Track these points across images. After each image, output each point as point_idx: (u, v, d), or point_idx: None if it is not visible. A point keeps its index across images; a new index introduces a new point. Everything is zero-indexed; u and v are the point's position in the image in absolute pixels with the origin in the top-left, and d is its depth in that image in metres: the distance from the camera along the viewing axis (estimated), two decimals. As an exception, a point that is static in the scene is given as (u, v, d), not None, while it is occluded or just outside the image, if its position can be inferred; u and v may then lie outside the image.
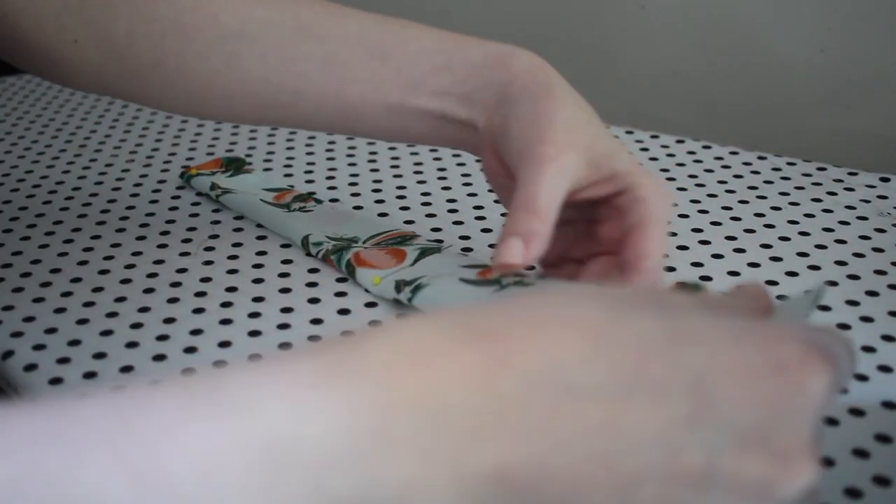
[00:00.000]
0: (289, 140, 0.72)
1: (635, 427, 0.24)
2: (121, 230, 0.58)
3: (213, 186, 0.62)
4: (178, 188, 0.64)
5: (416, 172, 0.65)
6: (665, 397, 0.24)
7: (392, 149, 0.70)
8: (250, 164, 0.66)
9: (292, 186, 0.63)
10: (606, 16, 0.89)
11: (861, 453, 0.37)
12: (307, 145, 0.71)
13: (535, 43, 0.94)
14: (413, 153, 0.69)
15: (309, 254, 0.53)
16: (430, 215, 0.59)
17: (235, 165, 0.65)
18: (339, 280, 0.51)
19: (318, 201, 0.59)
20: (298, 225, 0.56)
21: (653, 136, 0.70)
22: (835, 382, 0.26)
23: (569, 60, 0.94)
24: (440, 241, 0.53)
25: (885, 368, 0.42)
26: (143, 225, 0.59)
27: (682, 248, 0.53)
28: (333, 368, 0.24)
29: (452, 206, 0.60)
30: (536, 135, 0.42)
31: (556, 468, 0.23)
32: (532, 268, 0.47)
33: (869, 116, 0.78)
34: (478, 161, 0.66)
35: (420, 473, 0.23)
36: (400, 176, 0.65)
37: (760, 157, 0.65)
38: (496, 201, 0.60)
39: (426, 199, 0.61)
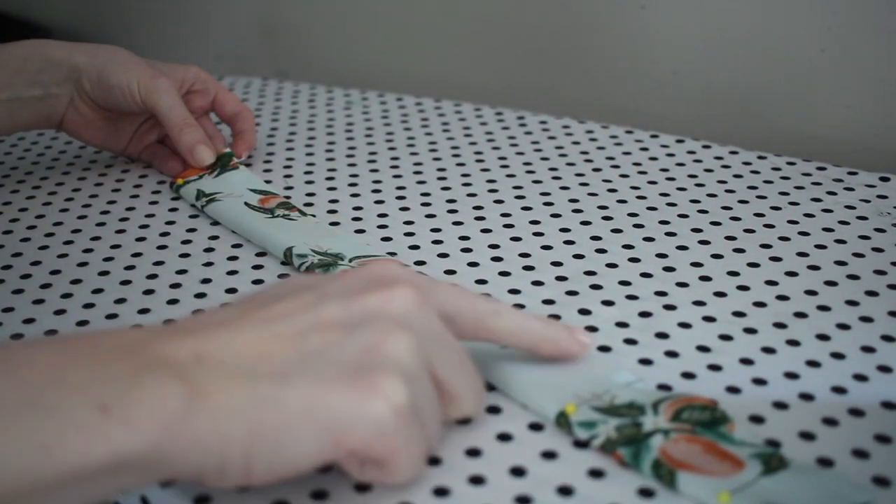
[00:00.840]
0: (289, 140, 0.72)
1: (283, 311, 0.34)
2: (121, 231, 0.59)
3: (199, 195, 0.61)
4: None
5: (416, 172, 0.65)
6: (294, 294, 0.35)
7: (392, 149, 0.70)
8: (236, 158, 0.65)
9: (289, 197, 0.62)
10: (606, 16, 0.89)
11: (861, 453, 0.37)
12: (307, 146, 0.71)
13: (535, 42, 0.94)
14: (413, 153, 0.69)
15: (285, 263, 0.52)
16: (429, 216, 0.59)
17: (222, 162, 0.63)
18: (339, 281, 0.51)
19: (303, 213, 0.58)
20: (281, 236, 0.54)
21: (653, 136, 0.70)
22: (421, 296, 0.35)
23: (569, 60, 0.94)
24: (418, 263, 0.51)
25: (884, 368, 0.42)
26: (143, 226, 0.59)
27: (682, 248, 0.53)
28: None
29: (452, 206, 0.60)
30: (139, 76, 0.62)
31: (240, 344, 0.32)
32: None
33: (869, 116, 0.78)
34: (478, 162, 0.66)
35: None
36: (400, 176, 0.65)
37: (760, 157, 0.65)
38: (496, 202, 0.60)
39: (426, 199, 0.61)
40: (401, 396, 0.32)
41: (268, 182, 0.64)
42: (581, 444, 0.38)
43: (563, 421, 0.38)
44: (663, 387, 0.41)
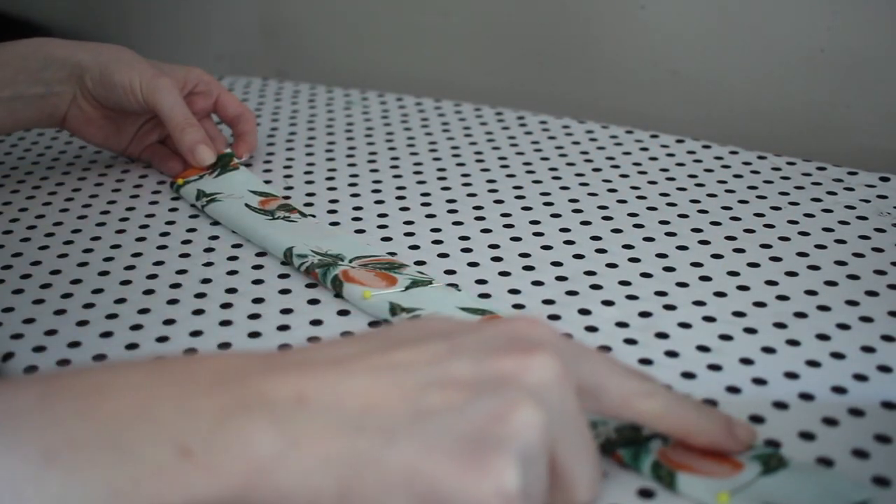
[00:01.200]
0: (289, 141, 0.72)
1: (407, 359, 0.30)
2: (121, 231, 0.59)
3: (199, 195, 0.61)
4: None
5: (416, 173, 0.65)
6: (424, 341, 0.31)
7: (392, 149, 0.70)
8: (237, 158, 0.65)
9: (288, 197, 0.62)
10: (606, 16, 0.89)
11: (861, 453, 0.37)
12: (307, 146, 0.71)
13: (535, 42, 0.94)
14: (413, 153, 0.69)
15: (285, 264, 0.52)
16: (429, 216, 0.59)
17: (222, 163, 0.64)
18: (339, 281, 0.51)
19: (304, 215, 0.58)
20: (281, 237, 0.54)
21: (653, 136, 0.70)
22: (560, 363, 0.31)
23: (569, 60, 0.94)
24: (429, 280, 0.50)
25: (884, 368, 0.42)
26: (143, 226, 0.59)
27: (682, 248, 0.53)
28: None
29: (452, 206, 0.60)
30: (142, 75, 0.62)
31: (351, 389, 0.29)
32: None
33: (869, 116, 0.78)
34: (478, 162, 0.66)
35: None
36: (400, 176, 0.65)
37: (760, 157, 0.65)
38: (496, 202, 0.60)
39: (426, 199, 0.61)
40: (513, 484, 0.28)
41: (267, 182, 0.64)
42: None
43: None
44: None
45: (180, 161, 0.65)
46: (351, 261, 0.51)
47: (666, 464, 0.35)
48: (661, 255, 0.53)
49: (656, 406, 0.33)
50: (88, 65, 0.62)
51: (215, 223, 0.59)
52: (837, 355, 0.43)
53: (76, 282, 0.53)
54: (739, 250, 0.53)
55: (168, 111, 0.62)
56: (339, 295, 0.49)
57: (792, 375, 0.42)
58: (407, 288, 0.48)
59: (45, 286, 0.52)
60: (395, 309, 0.47)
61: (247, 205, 0.59)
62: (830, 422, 0.39)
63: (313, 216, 0.59)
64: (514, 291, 0.50)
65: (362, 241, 0.55)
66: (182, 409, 0.28)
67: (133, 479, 0.27)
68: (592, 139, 0.70)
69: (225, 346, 0.46)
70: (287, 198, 0.62)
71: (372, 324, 0.47)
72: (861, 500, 0.34)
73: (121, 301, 0.50)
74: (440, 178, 0.64)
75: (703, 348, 0.44)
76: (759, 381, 0.41)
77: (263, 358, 0.31)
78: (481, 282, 0.51)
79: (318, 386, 0.29)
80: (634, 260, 0.52)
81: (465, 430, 0.29)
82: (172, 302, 0.50)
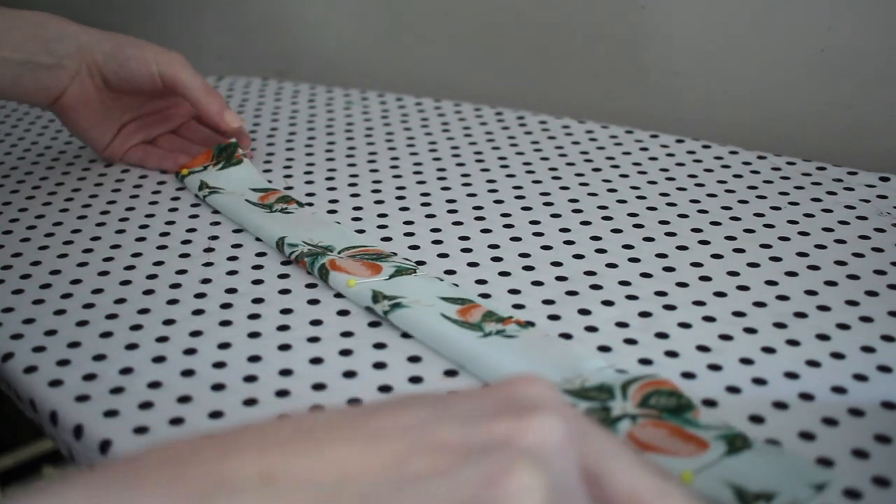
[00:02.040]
0: (289, 141, 0.72)
1: (387, 426, 0.27)
2: (120, 231, 0.58)
3: (202, 186, 0.62)
4: (178, 189, 0.64)
5: (416, 172, 0.65)
6: (410, 405, 0.27)
7: (392, 149, 0.70)
8: (241, 150, 0.66)
9: (290, 190, 0.63)
10: (606, 16, 0.89)
11: (861, 454, 0.37)
12: (307, 146, 0.71)
13: (535, 43, 0.94)
14: (413, 153, 0.69)
15: (285, 260, 0.53)
16: (429, 216, 0.59)
17: (227, 153, 0.65)
18: (339, 281, 0.51)
19: (301, 205, 0.59)
20: (276, 228, 0.56)
21: (652, 136, 0.69)
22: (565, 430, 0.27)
23: (569, 60, 0.94)
24: (413, 268, 0.51)
25: (884, 368, 0.42)
26: (143, 226, 0.59)
27: (682, 248, 0.53)
28: None
29: (452, 206, 0.60)
30: (156, 52, 0.64)
31: (326, 459, 0.25)
32: (529, 323, 0.48)
33: (869, 116, 0.78)
34: (477, 162, 0.66)
35: None
36: (399, 176, 0.65)
37: (760, 157, 0.65)
38: (496, 202, 0.60)
39: (426, 199, 0.61)
40: None
41: (269, 182, 0.64)
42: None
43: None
44: (663, 387, 0.41)
45: (178, 156, 0.67)
46: (340, 252, 0.53)
47: (633, 445, 0.36)
48: (661, 255, 0.52)
49: None
50: (99, 41, 0.63)
51: (215, 223, 0.59)
52: (837, 355, 0.43)
53: (76, 282, 0.53)
54: (739, 250, 0.53)
55: (189, 81, 0.64)
56: (322, 282, 0.51)
57: (792, 375, 0.42)
58: (391, 276, 0.50)
59: (45, 286, 0.52)
60: (377, 296, 0.48)
61: (247, 200, 0.60)
62: (830, 422, 0.39)
63: (311, 205, 0.60)
64: (514, 291, 0.50)
65: (354, 231, 0.57)
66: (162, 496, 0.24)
67: None
68: (592, 139, 0.70)
69: (225, 346, 0.46)
70: (289, 188, 0.63)
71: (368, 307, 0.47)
72: (820, 481, 0.35)
73: (121, 301, 0.50)
74: (440, 178, 0.64)
75: (703, 348, 0.44)
76: (759, 381, 0.41)
77: (217, 439, 0.27)
78: (481, 282, 0.51)
79: (284, 461, 0.25)
80: (634, 260, 0.52)
81: (455, 498, 0.25)
82: (172, 302, 0.50)
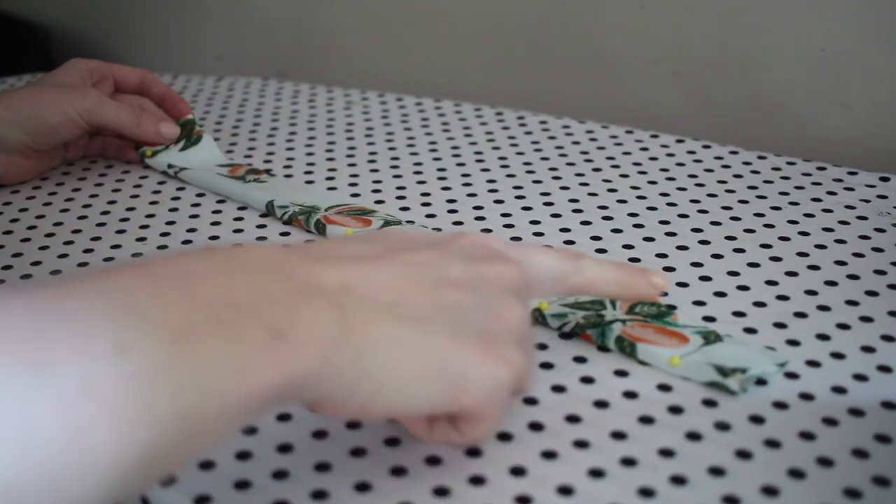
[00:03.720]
0: (288, 140, 0.72)
1: (413, 260, 0.35)
2: (121, 231, 0.59)
3: (170, 166, 0.65)
4: (178, 189, 0.64)
5: (416, 173, 0.65)
6: (419, 247, 0.36)
7: (392, 149, 0.70)
8: (201, 125, 0.69)
9: (251, 165, 0.67)
10: (606, 16, 0.89)
11: (861, 453, 0.37)
12: (307, 146, 0.71)
13: (535, 43, 0.94)
14: (413, 153, 0.69)
15: (266, 215, 0.53)
16: (429, 216, 0.59)
17: (187, 130, 0.67)
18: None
19: (270, 173, 0.63)
20: (259, 193, 0.59)
21: (653, 136, 0.70)
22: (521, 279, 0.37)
23: (569, 60, 0.94)
24: (399, 220, 0.56)
25: (884, 368, 0.42)
26: (143, 226, 0.59)
27: (682, 248, 0.53)
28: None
29: (452, 206, 0.60)
30: (72, 104, 0.62)
31: (381, 281, 0.33)
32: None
33: (869, 116, 0.78)
34: (478, 162, 0.66)
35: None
36: (400, 176, 0.65)
37: (760, 157, 0.65)
38: (496, 202, 0.60)
39: (426, 199, 0.61)
40: (520, 367, 0.34)
41: (230, 158, 0.67)
42: (581, 444, 0.38)
43: (538, 316, 0.45)
44: (663, 387, 0.41)
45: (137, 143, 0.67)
46: (327, 209, 0.57)
47: (627, 338, 0.43)
48: (661, 255, 0.53)
49: (584, 280, 0.39)
50: (11, 128, 0.62)
51: (215, 223, 0.59)
52: (837, 355, 0.43)
53: (76, 282, 0.53)
54: (739, 250, 0.53)
55: (116, 119, 0.64)
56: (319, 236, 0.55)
57: (792, 375, 0.42)
58: (382, 226, 0.55)
59: (46, 286, 0.52)
60: None
61: (219, 174, 0.63)
62: (830, 422, 0.39)
63: (281, 175, 0.63)
64: (514, 291, 0.50)
65: (332, 193, 0.61)
66: (258, 294, 0.29)
67: (245, 359, 0.28)
68: (592, 139, 0.70)
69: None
70: (250, 164, 0.67)
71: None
72: (782, 361, 0.42)
73: (121, 301, 0.50)
74: (440, 178, 0.64)
75: (703, 348, 0.44)
76: (759, 381, 0.41)
77: (295, 251, 0.33)
78: (481, 282, 0.51)
79: (355, 277, 0.32)
80: (634, 260, 0.52)
81: (478, 325, 0.34)
82: (172, 302, 0.50)
